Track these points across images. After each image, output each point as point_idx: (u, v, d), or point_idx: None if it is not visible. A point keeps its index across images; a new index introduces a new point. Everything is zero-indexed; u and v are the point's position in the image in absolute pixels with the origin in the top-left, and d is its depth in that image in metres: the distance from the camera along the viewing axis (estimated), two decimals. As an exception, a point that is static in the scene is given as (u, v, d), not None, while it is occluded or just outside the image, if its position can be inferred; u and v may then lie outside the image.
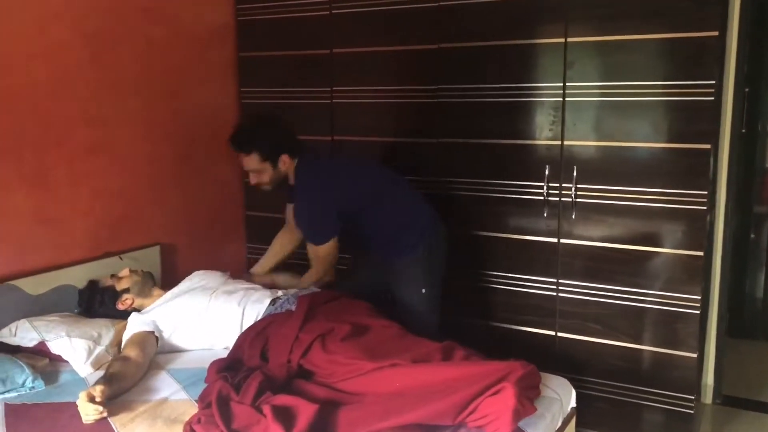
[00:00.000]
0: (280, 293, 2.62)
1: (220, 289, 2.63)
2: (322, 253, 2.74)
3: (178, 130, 3.25)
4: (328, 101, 3.28)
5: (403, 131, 3.16)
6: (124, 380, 2.14)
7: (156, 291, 2.72)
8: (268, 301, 2.55)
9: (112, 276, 2.73)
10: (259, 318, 2.48)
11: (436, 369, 2.06)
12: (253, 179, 2.74)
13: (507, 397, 1.82)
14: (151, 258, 3.09)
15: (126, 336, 2.44)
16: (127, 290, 2.66)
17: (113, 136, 2.94)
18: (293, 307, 2.48)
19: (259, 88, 3.49)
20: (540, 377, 2.09)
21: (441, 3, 2.95)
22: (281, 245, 3.10)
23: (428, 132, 3.07)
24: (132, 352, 2.29)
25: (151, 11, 3.07)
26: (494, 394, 1.85)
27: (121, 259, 2.92)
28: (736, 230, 4.06)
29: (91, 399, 1.95)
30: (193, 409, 2.01)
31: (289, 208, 2.98)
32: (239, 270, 3.64)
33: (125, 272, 2.72)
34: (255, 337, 2.35)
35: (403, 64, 3.09)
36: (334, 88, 3.26)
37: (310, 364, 2.18)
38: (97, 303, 2.65)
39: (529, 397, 1.93)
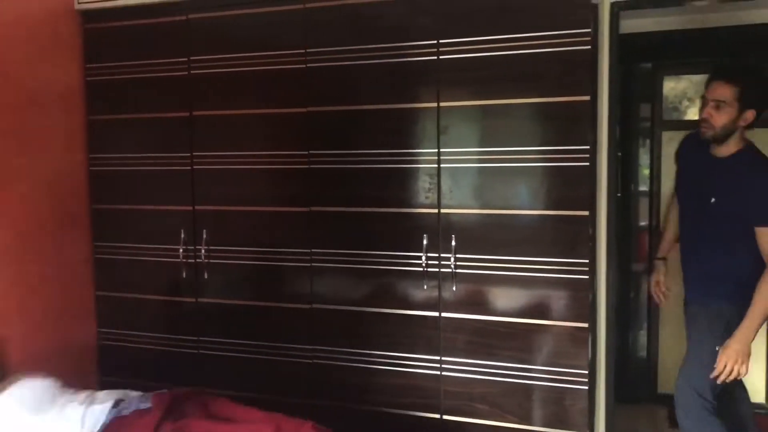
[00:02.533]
0: (121, 394, 2.25)
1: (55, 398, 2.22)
2: None
3: (12, 204, 2.84)
4: (188, 168, 2.99)
5: (272, 200, 2.91)
6: None
7: None
8: (109, 404, 2.18)
9: None
10: (98, 426, 2.09)
11: None
12: (707, 112, 2.55)
13: None
14: (-26, 353, 2.63)
15: None
16: None
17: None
18: (146, 405, 2.13)
19: (111, 153, 3.13)
20: None
21: (309, 65, 2.77)
22: (674, 220, 2.91)
23: (299, 200, 2.84)
24: None
25: (-22, 69, 2.70)
26: None
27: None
28: (616, 291, 4.07)
29: None
30: None
31: None
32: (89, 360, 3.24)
33: None
34: None
35: (269, 128, 2.87)
36: (195, 154, 2.98)
37: None
38: None
39: None
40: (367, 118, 2.71)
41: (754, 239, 2.47)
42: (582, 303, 2.49)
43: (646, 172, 4.05)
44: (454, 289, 2.62)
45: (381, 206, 2.70)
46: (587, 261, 2.47)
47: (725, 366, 2.44)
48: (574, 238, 2.48)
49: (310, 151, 2.80)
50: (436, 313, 2.66)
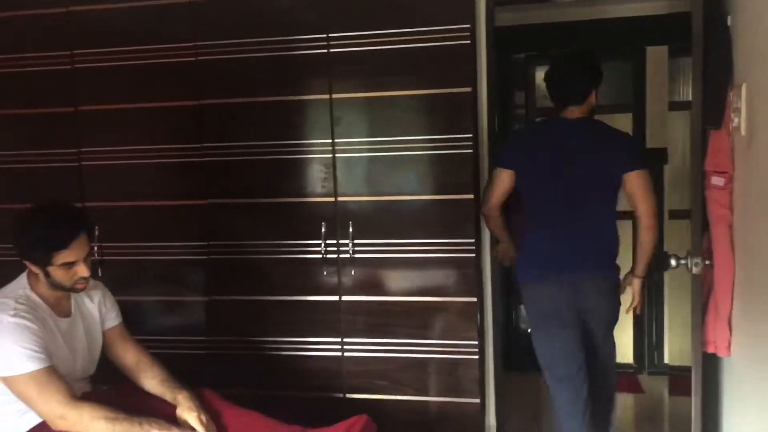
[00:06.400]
0: None
1: None
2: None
3: None
4: (76, 164, 2.92)
5: (168, 194, 2.90)
6: None
7: None
8: None
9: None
10: None
11: None
12: None
13: None
14: None
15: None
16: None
17: None
18: None
19: (-9, 150, 3.01)
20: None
21: (199, 58, 2.78)
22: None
23: (196, 194, 2.86)
24: None
25: None
26: None
27: None
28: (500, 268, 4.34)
29: None
30: None
31: None
32: None
33: None
34: None
35: (162, 122, 2.86)
36: (82, 149, 2.91)
37: None
38: None
39: None
40: (260, 110, 2.76)
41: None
42: (470, 279, 2.69)
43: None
44: (352, 273, 2.74)
45: (280, 196, 2.77)
46: (473, 240, 2.67)
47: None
48: (460, 220, 2.66)
49: (203, 144, 2.82)
50: (336, 298, 2.77)
